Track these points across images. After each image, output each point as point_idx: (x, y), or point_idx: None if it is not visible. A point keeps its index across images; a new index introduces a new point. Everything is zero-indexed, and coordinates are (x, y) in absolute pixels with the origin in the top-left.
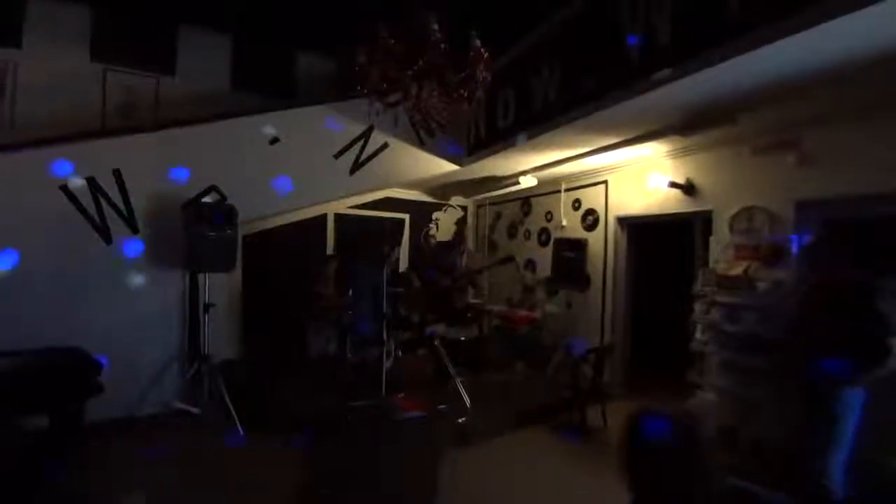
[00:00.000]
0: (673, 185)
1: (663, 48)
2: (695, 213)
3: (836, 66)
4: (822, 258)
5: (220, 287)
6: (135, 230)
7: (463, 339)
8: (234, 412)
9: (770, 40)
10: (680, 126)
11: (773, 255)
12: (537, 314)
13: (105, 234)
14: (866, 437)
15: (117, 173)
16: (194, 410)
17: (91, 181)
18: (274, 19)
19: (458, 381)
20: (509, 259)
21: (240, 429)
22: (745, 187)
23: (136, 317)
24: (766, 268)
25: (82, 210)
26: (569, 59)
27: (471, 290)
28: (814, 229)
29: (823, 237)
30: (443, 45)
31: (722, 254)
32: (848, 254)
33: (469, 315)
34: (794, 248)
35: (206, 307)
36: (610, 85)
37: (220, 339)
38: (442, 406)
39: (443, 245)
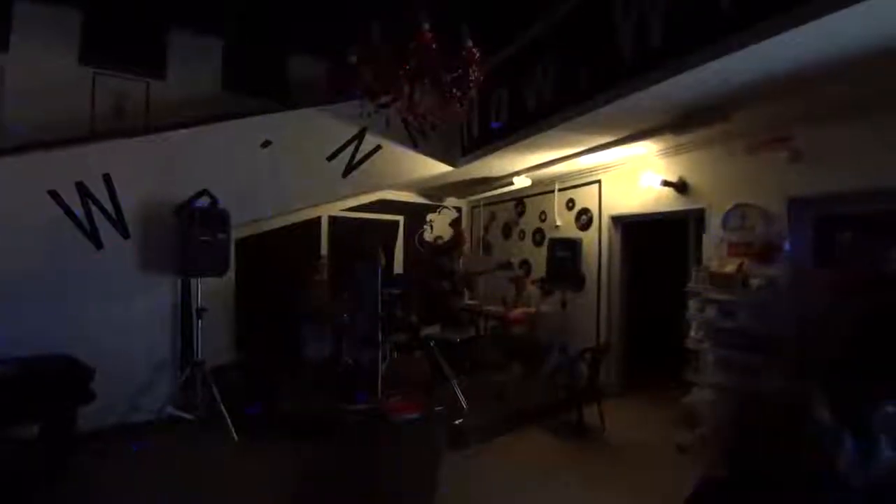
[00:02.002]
0: (666, 183)
1: (655, 47)
2: (688, 211)
3: (828, 63)
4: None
5: (213, 291)
6: (126, 235)
7: (459, 340)
8: (227, 417)
9: (761, 38)
10: (672, 124)
11: (766, 251)
12: (532, 309)
13: (95, 240)
14: None
15: (107, 178)
16: (188, 416)
17: (80, 186)
18: (266, 21)
19: (454, 382)
20: (507, 264)
21: (234, 434)
22: (738, 185)
23: (128, 323)
24: (759, 265)
25: (72, 215)
26: (562, 58)
27: (466, 292)
28: (806, 226)
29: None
30: (434, 46)
31: (715, 251)
32: (879, 250)
33: (465, 316)
34: (787, 245)
35: (199, 312)
36: (603, 84)
37: (214, 344)
38: (438, 408)
39: (440, 247)
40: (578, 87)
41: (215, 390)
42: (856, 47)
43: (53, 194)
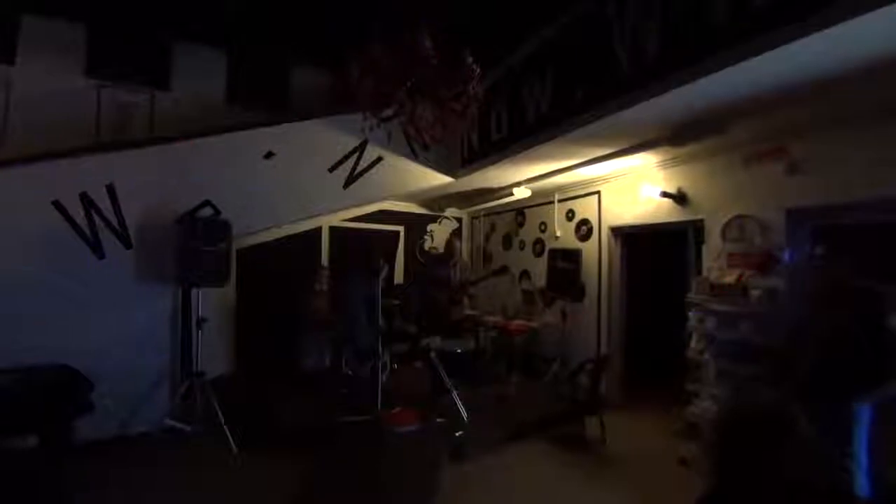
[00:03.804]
0: (665, 194)
1: (652, 60)
2: (687, 222)
3: (824, 76)
4: (828, 267)
5: (214, 301)
6: (128, 245)
7: (459, 351)
8: (227, 429)
9: (757, 52)
10: (670, 137)
11: (766, 262)
12: (535, 324)
13: (97, 250)
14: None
15: (111, 188)
16: (186, 428)
17: (84, 196)
18: (269, 34)
19: (454, 393)
20: (503, 270)
21: (233, 446)
22: (736, 196)
23: (128, 333)
24: (758, 275)
25: (74, 225)
26: (560, 71)
27: (467, 302)
28: (805, 237)
29: (830, 247)
30: (435, 61)
31: (715, 262)
32: (853, 262)
33: (465, 327)
34: (786, 256)
35: (199, 322)
36: (601, 97)
37: (214, 355)
38: (439, 419)
39: (437, 258)
40: (576, 100)
41: (215, 401)
42: (850, 61)
43: (57, 204)
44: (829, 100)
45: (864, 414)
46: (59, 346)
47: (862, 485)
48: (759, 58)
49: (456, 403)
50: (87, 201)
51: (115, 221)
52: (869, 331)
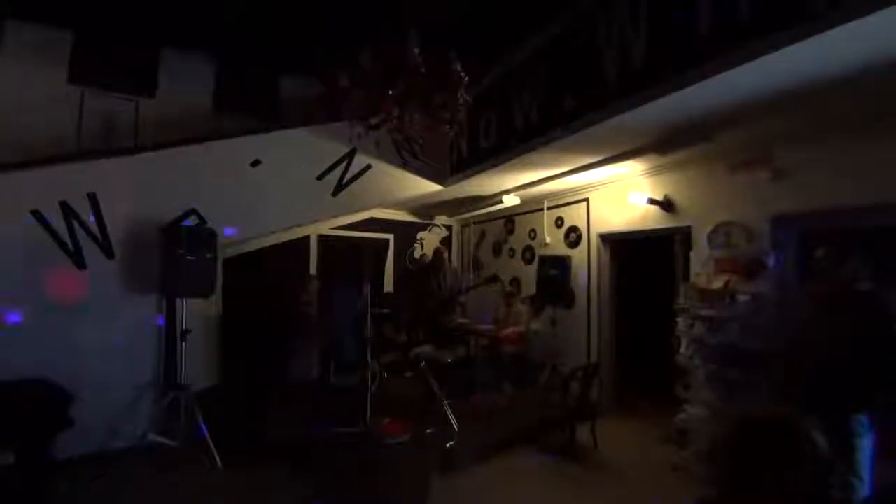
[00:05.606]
0: (652, 201)
1: (639, 69)
2: (674, 229)
3: (807, 85)
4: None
5: (199, 312)
6: (110, 255)
7: (450, 360)
8: (211, 443)
9: (741, 62)
10: (656, 145)
11: (752, 268)
12: (523, 328)
13: (78, 260)
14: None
15: (92, 197)
16: (170, 443)
17: (64, 205)
18: (258, 41)
19: (445, 403)
20: (494, 279)
21: (218, 460)
22: (722, 203)
23: (110, 345)
24: (745, 281)
25: (54, 234)
26: (549, 80)
27: (458, 311)
28: (790, 242)
29: (833, 247)
30: (423, 69)
31: (702, 268)
32: (861, 264)
33: (456, 336)
34: (771, 261)
35: (183, 334)
36: (588, 105)
37: (198, 367)
38: (429, 430)
39: (427, 266)
40: (564, 108)
41: (199, 415)
42: (833, 70)
43: (36, 213)
44: (812, 108)
45: (870, 423)
46: (36, 359)
47: (863, 494)
48: (743, 67)
49: (446, 413)
50: (67, 210)
51: (96, 231)
52: (874, 337)
